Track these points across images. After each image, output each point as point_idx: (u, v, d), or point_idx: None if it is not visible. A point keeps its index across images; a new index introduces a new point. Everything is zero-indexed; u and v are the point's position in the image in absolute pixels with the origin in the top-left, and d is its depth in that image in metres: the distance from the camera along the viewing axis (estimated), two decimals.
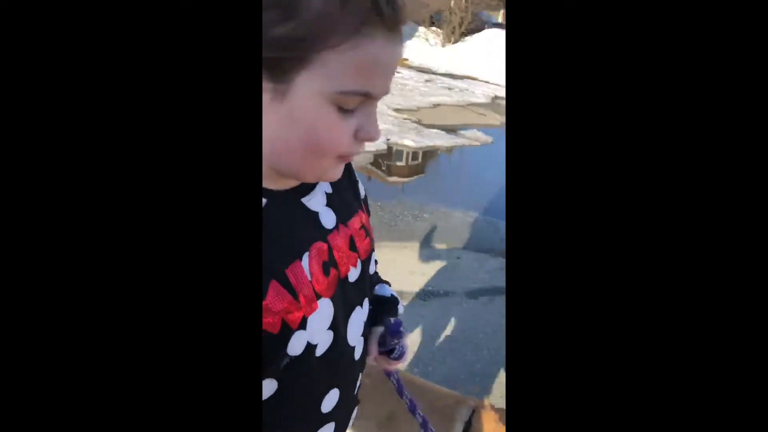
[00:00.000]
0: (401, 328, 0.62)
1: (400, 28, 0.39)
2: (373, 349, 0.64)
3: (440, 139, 4.99)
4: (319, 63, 0.36)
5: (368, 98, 0.40)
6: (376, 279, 0.71)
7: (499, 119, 6.37)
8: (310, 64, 0.36)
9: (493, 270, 2.70)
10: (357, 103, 0.40)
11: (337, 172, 0.45)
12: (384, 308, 0.67)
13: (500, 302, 2.40)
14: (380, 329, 0.64)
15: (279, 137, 0.40)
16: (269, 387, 0.46)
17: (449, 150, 4.97)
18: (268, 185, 0.45)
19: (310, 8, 0.35)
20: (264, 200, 0.44)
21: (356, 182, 0.61)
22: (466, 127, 5.70)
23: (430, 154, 4.78)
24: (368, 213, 0.63)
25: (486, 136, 5.44)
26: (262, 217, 0.42)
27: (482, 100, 7.33)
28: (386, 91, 0.41)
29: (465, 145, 5.06)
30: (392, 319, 0.64)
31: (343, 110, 0.39)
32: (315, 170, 0.43)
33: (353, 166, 0.62)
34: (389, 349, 0.64)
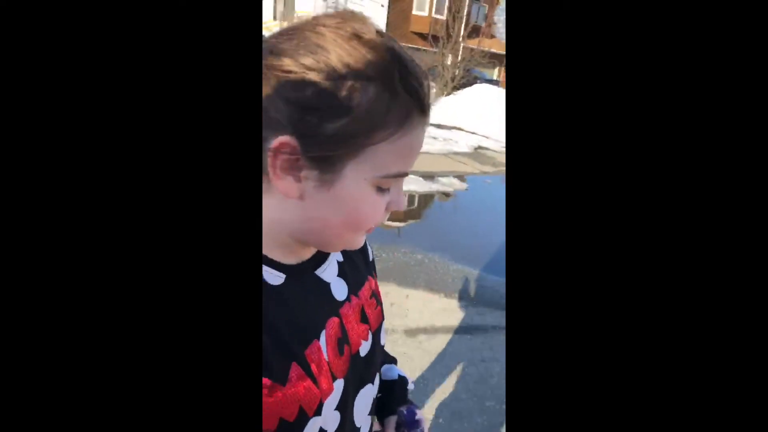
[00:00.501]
0: (417, 417, 0.62)
1: (429, 112, 0.42)
2: None
3: (415, 185, 5.18)
4: (369, 154, 0.38)
5: (403, 176, 0.42)
6: (384, 355, 0.68)
7: (478, 167, 6.60)
8: (359, 155, 0.38)
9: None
10: (394, 182, 0.42)
11: (362, 241, 0.46)
12: (394, 394, 0.65)
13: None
14: (394, 418, 0.63)
15: (320, 218, 0.41)
16: None
17: (447, 196, 5.15)
18: (284, 260, 0.45)
19: (361, 107, 0.36)
20: (281, 276, 0.44)
21: (366, 246, 0.61)
22: (444, 174, 5.91)
23: (426, 200, 4.93)
24: (375, 276, 0.63)
25: (461, 183, 5.64)
26: (279, 296, 0.43)
27: (465, 149, 7.61)
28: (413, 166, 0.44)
29: (439, 191, 5.24)
30: (405, 409, 0.63)
31: (381, 189, 0.41)
32: (345, 243, 0.45)
33: None
34: None
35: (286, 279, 0.44)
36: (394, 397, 0.65)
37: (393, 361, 0.70)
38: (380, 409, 0.63)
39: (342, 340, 0.47)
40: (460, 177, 5.89)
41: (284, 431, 0.40)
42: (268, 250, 0.43)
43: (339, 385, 0.46)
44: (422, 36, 16.01)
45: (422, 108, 0.39)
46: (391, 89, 0.37)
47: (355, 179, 0.39)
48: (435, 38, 12.68)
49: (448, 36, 12.44)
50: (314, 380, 0.42)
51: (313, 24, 0.38)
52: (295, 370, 0.41)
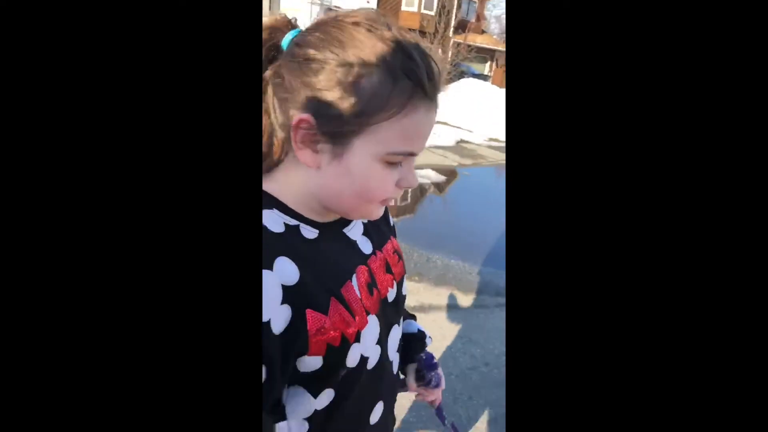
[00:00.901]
0: (434, 361, 0.73)
1: (437, 97, 0.46)
2: (412, 384, 0.73)
3: None
4: (373, 131, 0.44)
5: (410, 156, 0.48)
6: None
7: (458, 160, 6.69)
8: (365, 132, 0.44)
9: None
10: (401, 159, 0.47)
11: (380, 212, 0.53)
12: (413, 345, 0.76)
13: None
14: (414, 366, 0.74)
15: (334, 188, 0.48)
16: (327, 396, 0.52)
17: (440, 190, 5.23)
18: (317, 218, 0.53)
19: (366, 89, 0.43)
20: (315, 231, 0.52)
21: (387, 213, 0.69)
22: (422, 167, 6.00)
23: (418, 195, 4.96)
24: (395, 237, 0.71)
25: (439, 176, 5.73)
26: (315, 246, 0.51)
27: (447, 143, 7.70)
28: (423, 148, 0.49)
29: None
30: (424, 354, 0.74)
31: (389, 164, 0.46)
32: (362, 212, 0.52)
33: None
34: (427, 381, 0.73)
35: (319, 234, 0.52)
36: (413, 348, 0.75)
37: (412, 317, 0.80)
38: (402, 359, 0.71)
39: (371, 285, 0.56)
40: (437, 169, 5.98)
41: (332, 355, 0.49)
42: (303, 211, 0.52)
43: (373, 320, 0.54)
44: (411, 32, 16.02)
45: (424, 91, 0.44)
46: (394, 76, 0.43)
47: (362, 153, 0.45)
48: (422, 33, 12.72)
49: (436, 31, 12.51)
50: (350, 312, 0.51)
51: (335, 20, 0.45)
52: (333, 303, 0.49)
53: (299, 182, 0.50)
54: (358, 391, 0.54)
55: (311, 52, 0.44)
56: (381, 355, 0.56)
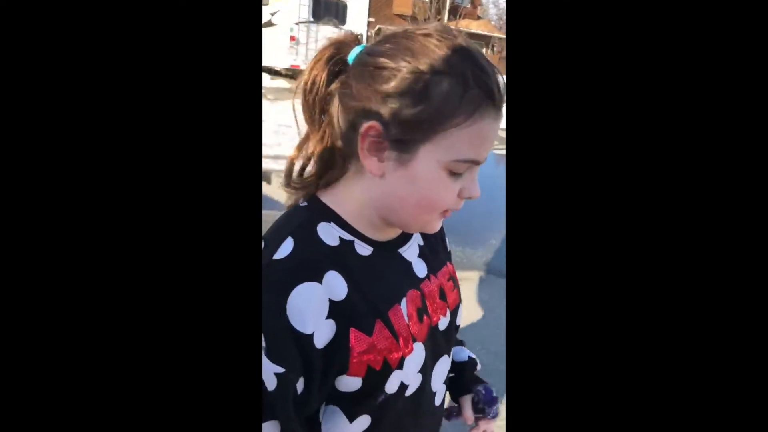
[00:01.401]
0: (494, 394, 0.68)
1: (503, 107, 0.46)
2: (469, 415, 0.68)
3: None
4: (440, 138, 0.44)
5: (474, 164, 0.47)
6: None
7: None
8: (433, 139, 0.44)
9: None
10: (465, 168, 0.46)
11: (438, 225, 0.52)
12: (466, 375, 0.72)
13: None
14: (470, 397, 0.69)
15: (397, 195, 0.47)
16: (363, 422, 0.51)
17: None
18: (373, 235, 0.52)
19: (436, 96, 0.43)
20: (369, 249, 0.51)
21: (444, 237, 0.68)
22: None
23: None
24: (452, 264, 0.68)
25: None
26: (368, 264, 0.50)
27: None
28: (486, 158, 0.48)
29: None
30: (483, 388, 0.69)
31: (453, 174, 0.46)
32: (421, 223, 0.50)
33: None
34: (486, 414, 0.68)
35: (373, 251, 0.51)
36: (466, 377, 0.72)
37: (461, 343, 0.76)
38: (454, 389, 0.70)
39: (422, 311, 0.54)
40: None
41: (371, 378, 0.47)
42: (360, 226, 0.51)
43: (419, 348, 0.52)
44: (404, 18, 15.79)
45: (492, 100, 0.44)
46: (464, 84, 0.43)
47: (428, 161, 0.45)
48: (414, 19, 12.50)
49: (428, 17, 12.26)
50: (395, 337, 0.49)
51: (405, 32, 0.46)
52: (379, 325, 0.48)
53: (359, 194, 0.50)
54: (394, 418, 0.53)
55: (383, 60, 0.44)
56: (422, 385, 0.54)
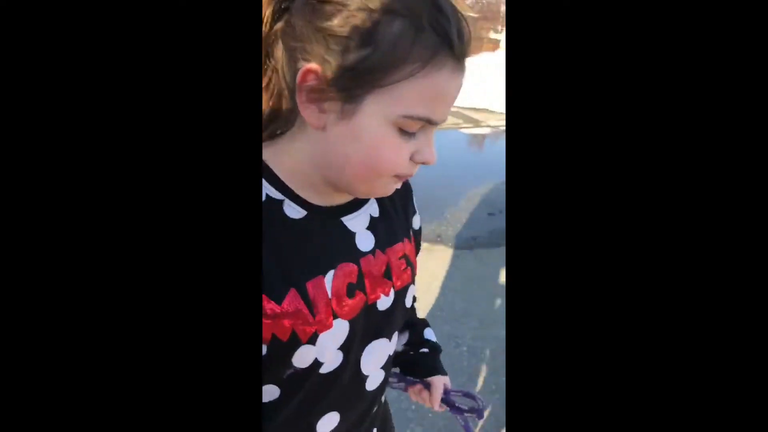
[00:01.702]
0: (479, 404, 0.66)
1: (465, 60, 0.41)
2: (438, 402, 0.65)
3: None
4: (389, 88, 0.38)
5: (429, 124, 0.41)
6: (414, 316, 0.73)
7: None
8: (380, 88, 0.38)
9: None
10: (418, 127, 0.41)
11: (390, 189, 0.46)
12: (432, 356, 0.68)
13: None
14: (444, 379, 0.67)
15: (340, 152, 0.42)
16: (270, 393, 0.48)
17: None
18: (312, 199, 0.47)
19: (385, 39, 0.37)
20: (301, 212, 0.46)
21: (413, 212, 0.62)
22: None
23: None
24: (418, 246, 0.63)
25: None
26: (295, 228, 0.45)
27: None
28: (445, 118, 0.43)
29: None
30: (460, 392, 0.67)
31: (404, 133, 0.41)
32: (368, 186, 0.44)
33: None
34: (461, 413, 0.66)
35: (306, 215, 0.46)
36: (431, 358, 0.69)
37: (427, 324, 0.73)
38: (416, 368, 0.68)
39: (354, 286, 0.49)
40: None
41: (277, 348, 0.44)
42: (297, 187, 0.46)
43: (342, 325, 0.48)
44: None
45: (451, 48, 0.38)
46: (418, 25, 0.37)
47: (374, 114, 0.39)
48: None
49: None
50: (310, 310, 0.45)
51: None
52: (292, 294, 0.44)
53: (300, 150, 0.44)
54: (310, 396, 0.50)
55: None
56: (345, 365, 0.50)
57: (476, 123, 7.06)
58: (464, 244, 3.05)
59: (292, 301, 0.44)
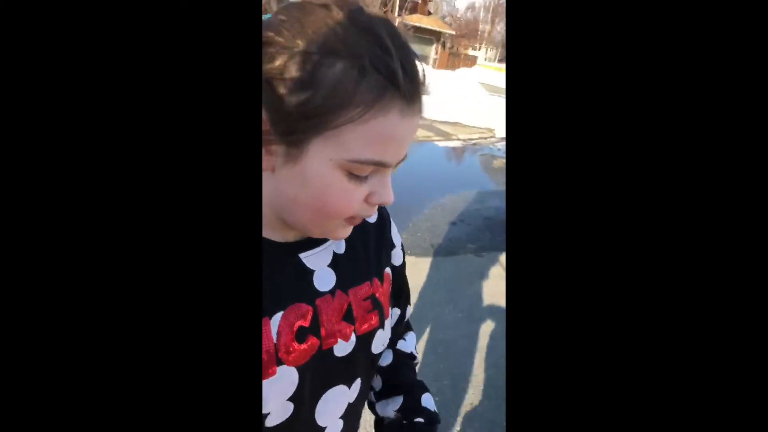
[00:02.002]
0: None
1: (420, 99, 0.39)
2: None
3: None
4: (333, 132, 0.37)
5: (380, 167, 0.40)
6: (411, 376, 0.65)
7: None
8: (324, 133, 0.37)
9: None
10: (369, 170, 0.39)
11: (346, 232, 0.45)
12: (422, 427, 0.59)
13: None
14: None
15: (289, 194, 0.40)
16: None
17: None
18: (269, 235, 0.45)
19: (326, 80, 0.35)
20: None
21: (390, 247, 0.58)
22: None
23: None
24: (400, 284, 0.60)
25: None
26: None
27: None
28: (400, 158, 0.41)
29: None
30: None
31: (354, 177, 0.39)
32: (321, 229, 0.43)
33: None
34: None
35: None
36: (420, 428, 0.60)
37: (424, 388, 0.64)
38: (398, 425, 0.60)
39: (307, 330, 0.46)
40: None
41: None
42: None
43: (290, 373, 0.44)
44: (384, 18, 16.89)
45: (398, 90, 0.36)
46: (361, 67, 0.35)
47: (319, 159, 0.38)
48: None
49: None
50: None
51: (302, 2, 0.39)
52: None
53: None
54: None
55: (269, 35, 0.37)
56: (297, 416, 0.46)
57: (447, 136, 7.20)
58: (423, 252, 3.11)
59: None
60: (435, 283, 2.72)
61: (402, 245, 0.62)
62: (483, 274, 2.88)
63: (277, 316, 0.44)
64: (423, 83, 0.39)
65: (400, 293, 0.63)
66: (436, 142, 6.84)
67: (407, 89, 0.37)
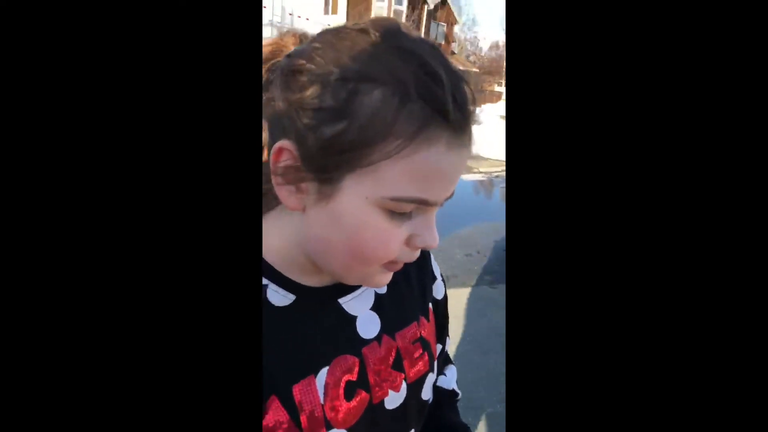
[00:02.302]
0: None
1: (469, 130, 0.35)
2: None
3: None
4: (370, 168, 0.33)
5: (424, 205, 0.35)
6: (455, 417, 0.58)
7: None
8: (359, 168, 0.33)
9: None
10: (411, 208, 0.35)
11: (385, 279, 0.40)
12: None
13: None
14: None
15: (321, 236, 0.37)
16: None
17: None
18: (303, 280, 0.41)
19: (362, 110, 0.32)
20: (289, 297, 0.40)
21: (431, 279, 0.53)
22: None
23: None
24: (442, 319, 0.56)
25: None
26: (284, 317, 0.39)
27: None
28: (447, 196, 0.36)
29: None
30: None
31: (395, 215, 0.35)
32: (357, 275, 0.39)
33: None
34: None
35: (295, 300, 0.40)
36: None
37: (465, 429, 0.57)
38: None
39: (355, 384, 0.41)
40: None
41: None
42: (285, 268, 0.40)
43: None
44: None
45: (445, 118, 0.32)
46: (403, 94, 0.32)
47: (355, 196, 0.34)
48: None
49: None
50: (296, 422, 0.38)
51: (339, 28, 0.36)
52: (273, 405, 0.37)
53: (285, 230, 0.39)
54: None
55: (301, 62, 0.34)
56: None
57: (468, 169, 7.36)
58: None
59: (274, 413, 0.37)
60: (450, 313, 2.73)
61: (442, 276, 0.57)
62: (496, 306, 2.83)
63: (323, 373, 0.40)
64: (473, 111, 0.35)
65: (442, 328, 0.57)
66: (464, 176, 7.13)
67: (456, 118, 0.33)
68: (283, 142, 0.35)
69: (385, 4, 15.39)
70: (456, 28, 22.37)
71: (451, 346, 2.38)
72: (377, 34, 0.34)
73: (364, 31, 0.34)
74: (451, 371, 0.63)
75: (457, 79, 0.34)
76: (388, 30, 0.34)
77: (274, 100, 0.36)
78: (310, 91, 0.33)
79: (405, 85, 0.32)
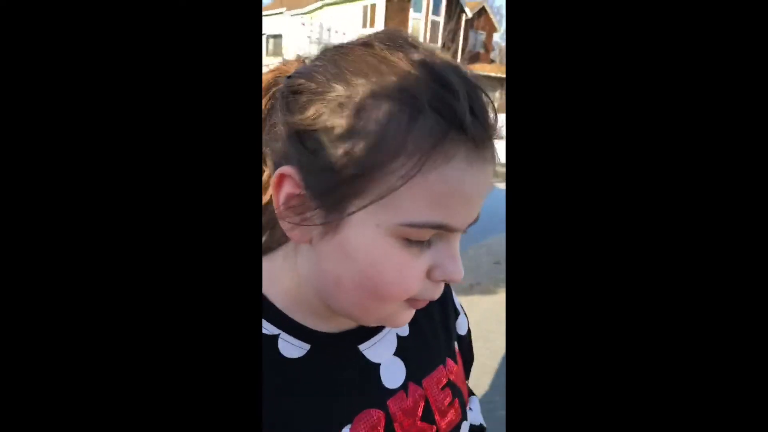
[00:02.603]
0: None
1: (491, 145, 0.32)
2: None
3: None
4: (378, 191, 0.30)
5: (445, 231, 0.32)
6: None
7: None
8: (368, 190, 0.30)
9: None
10: (430, 235, 0.31)
11: (405, 318, 0.36)
12: None
13: None
14: None
15: (332, 273, 0.33)
16: None
17: None
18: (318, 326, 0.37)
19: (369, 127, 0.29)
20: (303, 347, 0.36)
21: (453, 313, 0.49)
22: None
23: None
24: (468, 356, 0.51)
25: None
26: (297, 370, 0.35)
27: None
28: (471, 221, 0.33)
29: None
30: None
31: (413, 243, 0.31)
32: (375, 315, 0.34)
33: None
34: None
35: (310, 350, 0.36)
36: None
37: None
38: None
39: None
40: None
41: None
42: (297, 314, 0.36)
43: None
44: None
45: (464, 131, 0.29)
46: (414, 108, 0.29)
47: (365, 225, 0.31)
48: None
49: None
50: None
51: (341, 44, 0.34)
52: None
53: (295, 269, 0.36)
54: None
55: (301, 82, 0.32)
56: None
57: (503, 177, 7.30)
58: (462, 291, 3.20)
59: None
60: (470, 321, 2.79)
61: (463, 308, 0.52)
62: None
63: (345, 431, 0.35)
64: (494, 123, 0.32)
65: (468, 365, 0.52)
66: (496, 184, 7.20)
67: (475, 131, 0.30)
68: (284, 169, 0.32)
69: (422, 15, 15.12)
70: (496, 36, 21.91)
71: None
72: (382, 46, 0.31)
73: (367, 44, 0.32)
74: (475, 404, 0.56)
75: (475, 88, 0.31)
76: (394, 41, 0.32)
77: (275, 126, 0.33)
78: (311, 111, 0.31)
79: (415, 97, 0.29)
